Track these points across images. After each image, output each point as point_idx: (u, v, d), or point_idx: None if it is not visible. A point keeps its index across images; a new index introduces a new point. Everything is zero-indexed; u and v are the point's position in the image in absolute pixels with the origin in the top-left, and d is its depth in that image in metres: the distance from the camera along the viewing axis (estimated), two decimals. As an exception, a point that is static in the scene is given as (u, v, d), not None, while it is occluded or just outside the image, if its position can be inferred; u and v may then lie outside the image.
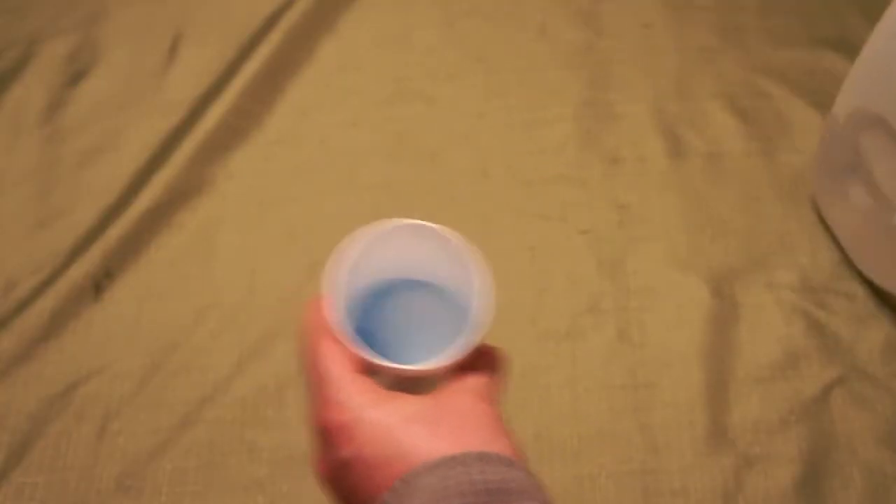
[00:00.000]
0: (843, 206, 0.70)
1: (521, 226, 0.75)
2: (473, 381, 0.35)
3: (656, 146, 0.79)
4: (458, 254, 0.37)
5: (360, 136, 0.81)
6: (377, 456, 0.32)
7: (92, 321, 0.71)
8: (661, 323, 0.69)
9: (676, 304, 0.70)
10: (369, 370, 0.35)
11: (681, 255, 0.73)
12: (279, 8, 0.88)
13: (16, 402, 0.68)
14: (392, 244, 0.38)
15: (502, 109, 0.82)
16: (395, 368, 0.35)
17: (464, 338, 0.35)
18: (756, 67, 0.83)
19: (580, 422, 0.65)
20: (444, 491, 0.29)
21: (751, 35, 0.86)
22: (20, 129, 0.83)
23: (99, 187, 0.78)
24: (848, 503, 0.61)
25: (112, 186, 0.78)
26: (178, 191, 0.77)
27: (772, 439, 0.64)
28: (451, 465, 0.30)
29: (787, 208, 0.75)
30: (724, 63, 0.84)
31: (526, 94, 0.83)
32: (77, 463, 0.65)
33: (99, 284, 0.73)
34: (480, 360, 0.37)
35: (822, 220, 0.74)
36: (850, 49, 0.83)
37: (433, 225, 0.37)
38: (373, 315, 0.40)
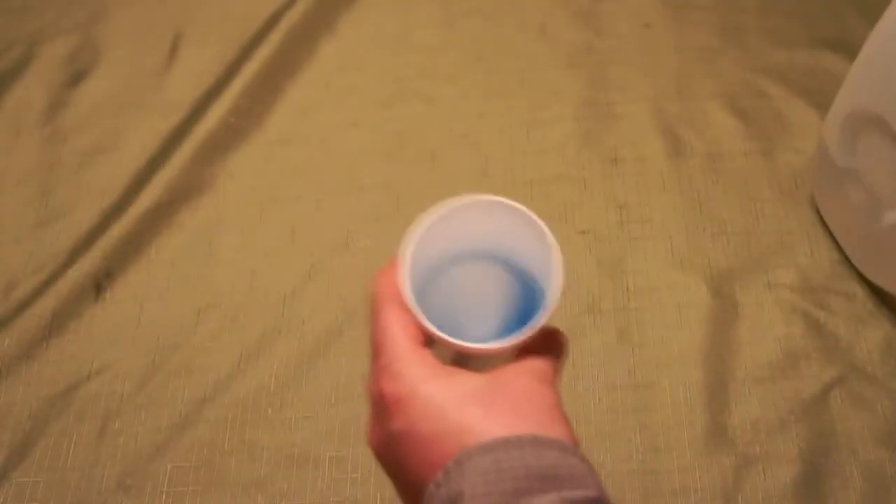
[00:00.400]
0: (842, 206, 0.70)
1: (521, 226, 0.75)
2: (535, 364, 0.34)
3: (656, 146, 0.79)
4: (535, 232, 0.36)
5: (360, 136, 0.81)
6: (429, 432, 0.31)
7: (92, 321, 0.71)
8: (660, 323, 0.69)
9: (676, 304, 0.70)
10: (430, 341, 0.34)
11: (680, 255, 0.73)
12: (279, 8, 0.88)
13: (17, 402, 0.68)
14: (467, 217, 0.37)
15: (502, 109, 0.82)
16: (461, 346, 0.34)
17: (535, 320, 0.34)
18: (756, 67, 0.84)
19: (580, 422, 0.65)
20: (496, 474, 0.29)
21: (751, 35, 0.86)
22: (21, 129, 0.83)
23: (99, 187, 0.78)
24: (847, 503, 0.61)
25: (112, 186, 0.78)
26: (178, 191, 0.77)
27: (771, 439, 0.64)
28: (504, 448, 0.30)
29: (787, 208, 0.75)
30: (724, 63, 0.84)
31: (526, 94, 0.83)
32: (78, 462, 0.65)
33: (99, 284, 0.73)
34: (543, 342, 0.36)
35: (822, 220, 0.74)
36: (849, 49, 0.83)
37: (511, 201, 0.36)
38: (436, 284, 0.39)
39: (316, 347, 0.69)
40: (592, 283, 0.72)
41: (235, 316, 0.71)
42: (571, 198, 0.76)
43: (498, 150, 0.79)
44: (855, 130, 0.64)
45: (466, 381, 0.32)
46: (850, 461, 0.63)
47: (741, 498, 0.62)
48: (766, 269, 0.72)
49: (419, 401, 0.32)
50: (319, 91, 0.84)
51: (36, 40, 0.89)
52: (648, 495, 0.62)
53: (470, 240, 0.39)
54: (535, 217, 0.36)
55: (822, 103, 0.80)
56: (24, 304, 0.71)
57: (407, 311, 0.34)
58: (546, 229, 0.36)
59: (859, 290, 0.70)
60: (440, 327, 0.34)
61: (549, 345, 0.36)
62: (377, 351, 0.34)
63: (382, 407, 0.33)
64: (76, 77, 0.86)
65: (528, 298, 0.38)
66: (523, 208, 0.36)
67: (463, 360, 0.35)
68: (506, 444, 0.30)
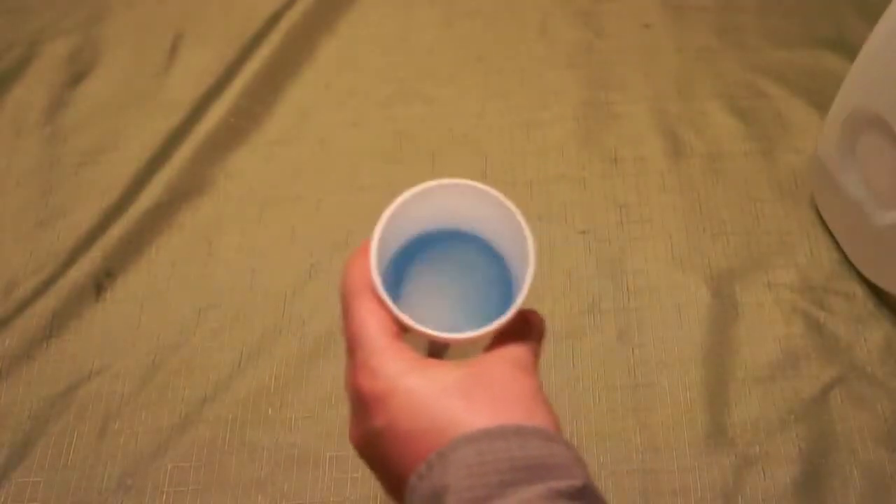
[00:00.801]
0: (842, 206, 0.70)
1: (521, 226, 0.75)
2: (514, 351, 0.34)
3: (656, 146, 0.79)
4: (508, 216, 0.35)
5: (360, 136, 0.81)
6: (411, 428, 0.31)
7: (93, 321, 0.71)
8: (660, 323, 0.70)
9: (676, 304, 0.70)
10: (405, 329, 0.34)
11: (680, 254, 0.73)
12: (279, 8, 0.88)
13: (17, 402, 0.68)
14: (438, 200, 0.36)
15: (502, 109, 0.82)
16: (436, 336, 0.33)
17: (511, 307, 0.33)
18: (756, 67, 0.84)
19: (580, 421, 0.65)
20: (480, 466, 0.29)
21: (750, 35, 0.86)
22: (21, 130, 0.83)
23: (99, 187, 0.78)
24: (847, 503, 0.62)
25: (113, 186, 0.78)
26: (178, 191, 0.77)
27: (771, 439, 0.64)
28: (488, 439, 0.29)
29: (787, 208, 0.75)
30: (724, 63, 0.84)
31: (526, 94, 0.83)
32: (78, 462, 0.65)
33: (100, 284, 0.73)
34: (520, 325, 0.35)
35: (822, 220, 0.74)
36: (849, 49, 0.83)
37: (480, 184, 0.36)
38: (412, 265, 0.38)
39: (316, 347, 0.70)
40: (592, 283, 0.72)
41: (235, 316, 0.71)
42: (571, 198, 0.76)
43: (498, 150, 0.80)
44: (855, 130, 0.64)
45: (446, 373, 0.32)
46: (850, 461, 0.63)
47: (741, 498, 0.62)
48: (766, 269, 0.72)
49: (399, 397, 0.31)
50: (319, 91, 0.84)
51: (36, 40, 0.89)
52: (648, 495, 0.62)
53: (444, 221, 0.38)
54: (506, 200, 0.35)
55: (822, 103, 0.80)
56: (25, 304, 0.71)
57: (380, 301, 0.33)
58: (518, 213, 0.35)
59: (859, 290, 0.70)
60: (413, 312, 0.33)
61: (526, 328, 0.35)
62: (352, 346, 0.33)
63: (361, 404, 0.32)
64: (76, 77, 0.86)
65: (504, 279, 0.37)
66: (493, 191, 0.35)
67: (439, 348, 0.34)
68: (489, 435, 0.29)
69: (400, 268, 0.38)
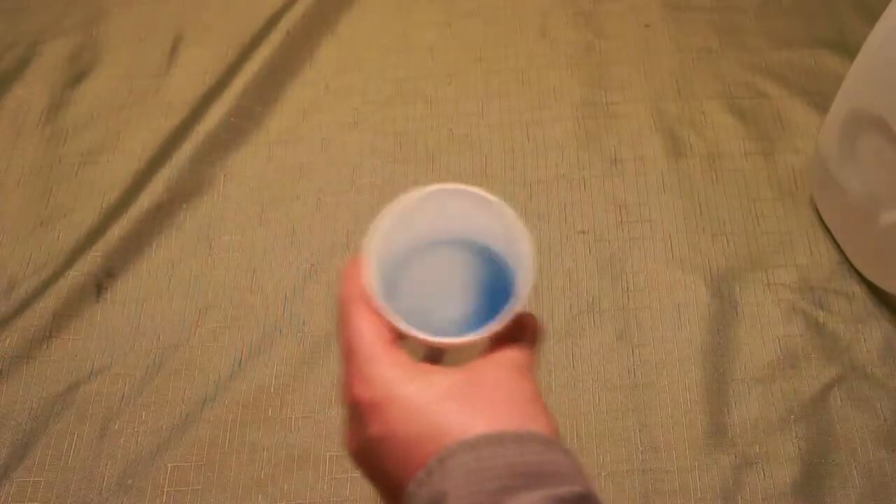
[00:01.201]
0: (841, 206, 0.70)
1: (521, 226, 0.75)
2: (511, 355, 0.33)
3: (656, 146, 0.79)
4: (505, 220, 0.35)
5: (360, 136, 0.81)
6: (409, 435, 0.30)
7: (93, 321, 0.71)
8: (660, 323, 0.70)
9: (676, 304, 0.70)
10: (401, 335, 0.33)
11: (680, 255, 0.73)
12: (279, 9, 0.88)
13: (18, 402, 0.68)
14: (434, 206, 0.36)
15: (502, 109, 0.82)
16: (432, 341, 0.33)
17: (507, 309, 0.33)
18: (755, 68, 0.84)
19: (579, 421, 0.65)
20: (479, 472, 0.28)
21: (750, 35, 0.86)
22: (22, 129, 0.83)
23: (100, 187, 0.78)
24: (847, 502, 0.62)
25: (113, 186, 0.78)
26: (178, 191, 0.77)
27: (771, 439, 0.64)
28: (487, 445, 0.29)
29: (787, 208, 0.75)
30: (724, 63, 0.84)
31: (526, 94, 0.83)
32: (78, 462, 0.65)
33: (100, 284, 0.73)
34: (517, 330, 0.35)
35: (822, 220, 0.74)
36: (848, 50, 0.83)
37: (477, 189, 0.35)
38: (408, 271, 0.38)
39: (316, 347, 0.70)
40: (592, 282, 0.72)
41: (235, 316, 0.71)
42: (571, 198, 0.76)
43: (498, 150, 0.80)
44: (854, 130, 0.64)
45: (442, 379, 0.31)
46: (849, 461, 0.63)
47: (741, 498, 0.62)
48: (765, 269, 0.72)
49: (396, 404, 0.31)
50: (319, 91, 0.84)
51: (36, 40, 0.89)
52: (648, 495, 0.62)
53: (439, 227, 0.38)
54: (504, 205, 0.35)
55: (821, 103, 0.80)
56: (25, 304, 0.71)
57: (375, 310, 0.33)
58: (516, 217, 0.35)
59: (859, 290, 0.70)
60: (410, 317, 0.33)
61: (522, 331, 0.35)
62: (348, 354, 0.33)
63: (358, 412, 0.32)
64: (77, 77, 0.86)
65: (502, 282, 0.37)
66: (492, 196, 0.35)
67: (436, 353, 0.34)
68: (488, 441, 0.29)
69: (396, 271, 0.38)
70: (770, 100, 0.81)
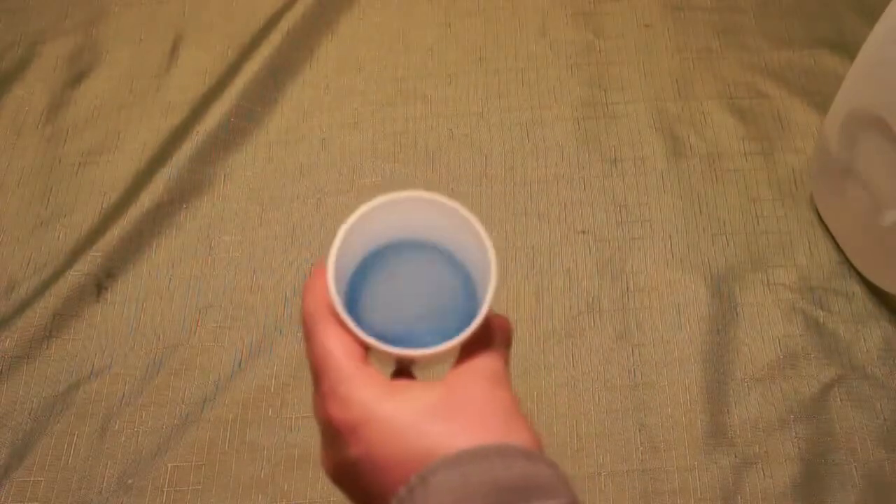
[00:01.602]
0: (840, 206, 0.70)
1: (521, 226, 0.75)
2: (486, 365, 0.33)
3: (656, 146, 0.79)
4: (463, 222, 0.34)
5: (360, 136, 0.81)
6: (389, 456, 0.30)
7: (93, 321, 0.72)
8: (660, 323, 0.70)
9: (676, 304, 0.70)
10: (367, 347, 0.33)
11: (680, 255, 0.73)
12: (279, 8, 0.88)
13: (18, 402, 0.68)
14: (389, 215, 0.35)
15: (502, 109, 0.82)
16: (400, 353, 0.32)
17: (475, 318, 0.32)
18: (755, 68, 0.84)
19: (579, 421, 0.66)
20: (464, 489, 0.28)
21: (750, 36, 0.86)
22: (22, 130, 0.83)
23: (100, 187, 0.78)
24: (847, 502, 0.62)
25: (113, 186, 0.78)
26: (178, 191, 0.77)
27: (771, 438, 0.64)
28: (470, 461, 0.29)
29: (787, 208, 0.75)
30: (724, 63, 0.84)
31: (526, 94, 0.83)
32: (78, 462, 0.65)
33: (100, 284, 0.73)
34: (486, 333, 0.34)
35: (821, 220, 0.74)
36: (848, 50, 0.83)
37: (436, 195, 0.35)
38: (366, 280, 0.37)
39: (316, 347, 0.69)
40: (592, 282, 0.72)
41: (235, 316, 0.71)
42: (571, 198, 0.76)
43: (498, 150, 0.80)
44: (854, 130, 0.64)
45: (419, 397, 0.31)
46: (849, 461, 0.63)
47: (741, 498, 0.62)
48: (765, 269, 0.72)
49: (374, 426, 0.30)
50: (319, 91, 0.84)
51: (37, 40, 0.89)
52: (648, 495, 0.62)
53: (401, 233, 0.37)
54: (465, 210, 0.34)
55: (821, 103, 0.80)
56: (25, 304, 0.71)
57: (341, 324, 0.32)
58: (477, 222, 0.34)
59: (858, 290, 0.70)
60: (374, 328, 0.33)
61: (492, 335, 0.34)
62: (318, 373, 0.32)
63: (334, 434, 0.31)
64: (77, 77, 0.86)
65: (467, 287, 0.37)
66: (452, 202, 0.35)
67: (405, 362, 0.34)
68: (471, 456, 0.29)
69: (357, 282, 0.37)
70: (770, 100, 0.81)
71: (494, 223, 0.75)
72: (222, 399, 0.67)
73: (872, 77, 0.61)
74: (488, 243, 0.34)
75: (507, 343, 0.35)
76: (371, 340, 0.32)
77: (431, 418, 0.30)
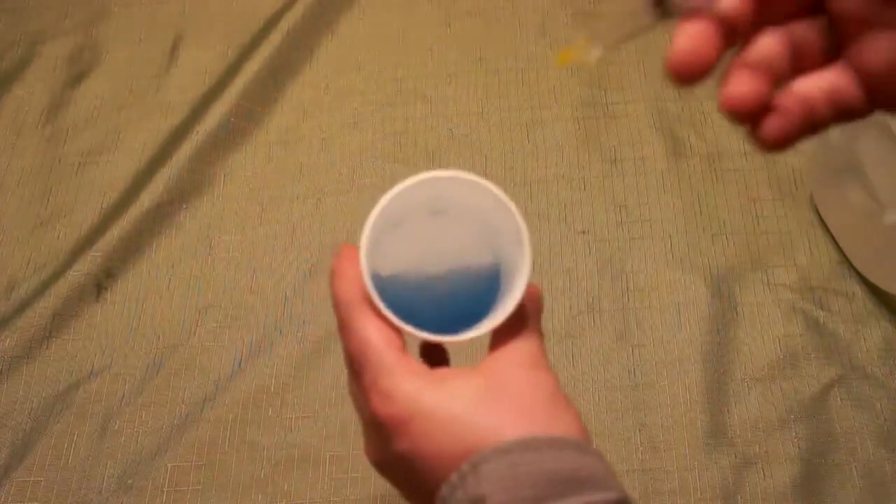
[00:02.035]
0: (841, 207, 0.70)
1: (521, 226, 0.75)
2: (525, 348, 0.33)
3: (656, 146, 0.79)
4: (497, 201, 0.34)
5: (360, 136, 0.81)
6: (437, 450, 0.30)
7: (93, 321, 0.72)
8: (660, 323, 0.70)
9: (676, 304, 0.70)
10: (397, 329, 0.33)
11: (680, 255, 0.73)
12: (279, 8, 0.88)
13: (17, 402, 0.68)
14: (421, 195, 0.35)
15: (502, 109, 0.82)
16: (437, 340, 0.33)
17: (511, 301, 0.32)
18: (756, 67, 0.83)
19: (580, 421, 0.65)
20: (514, 479, 0.28)
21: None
22: (21, 130, 0.83)
23: (100, 187, 0.78)
24: (847, 502, 0.62)
25: (113, 186, 0.78)
26: (178, 191, 0.77)
27: (771, 438, 0.64)
28: (520, 451, 0.29)
29: (787, 208, 0.75)
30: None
31: (526, 94, 0.83)
32: (78, 462, 0.65)
33: (100, 284, 0.73)
34: (520, 313, 0.33)
35: (822, 220, 0.74)
36: (849, 49, 0.83)
37: (472, 175, 0.34)
38: (402, 230, 0.37)
39: (316, 347, 0.70)
40: (592, 282, 0.72)
41: (235, 316, 0.71)
42: (571, 198, 0.76)
43: (498, 150, 0.80)
44: (855, 130, 0.64)
45: (463, 387, 0.31)
46: (849, 461, 0.63)
47: (741, 498, 0.62)
48: (765, 269, 0.72)
49: (420, 419, 0.30)
50: (319, 91, 0.84)
51: (36, 40, 0.89)
52: (648, 495, 0.62)
53: (430, 206, 0.37)
54: (498, 190, 0.34)
55: (821, 103, 0.80)
56: (25, 304, 0.71)
57: (377, 312, 0.32)
58: (510, 202, 0.34)
59: (859, 290, 0.70)
60: (400, 309, 0.32)
61: (523, 312, 0.34)
62: (359, 366, 0.32)
63: (379, 428, 0.31)
64: (77, 77, 0.86)
65: (492, 269, 0.37)
66: (485, 181, 0.34)
67: (434, 345, 0.34)
68: (522, 446, 0.29)
69: (383, 233, 0.37)
70: (770, 100, 0.81)
71: (494, 223, 0.75)
72: (222, 399, 0.67)
73: (872, 77, 0.61)
74: (522, 223, 0.34)
75: (538, 313, 0.35)
76: (408, 328, 0.32)
77: (476, 410, 0.30)
